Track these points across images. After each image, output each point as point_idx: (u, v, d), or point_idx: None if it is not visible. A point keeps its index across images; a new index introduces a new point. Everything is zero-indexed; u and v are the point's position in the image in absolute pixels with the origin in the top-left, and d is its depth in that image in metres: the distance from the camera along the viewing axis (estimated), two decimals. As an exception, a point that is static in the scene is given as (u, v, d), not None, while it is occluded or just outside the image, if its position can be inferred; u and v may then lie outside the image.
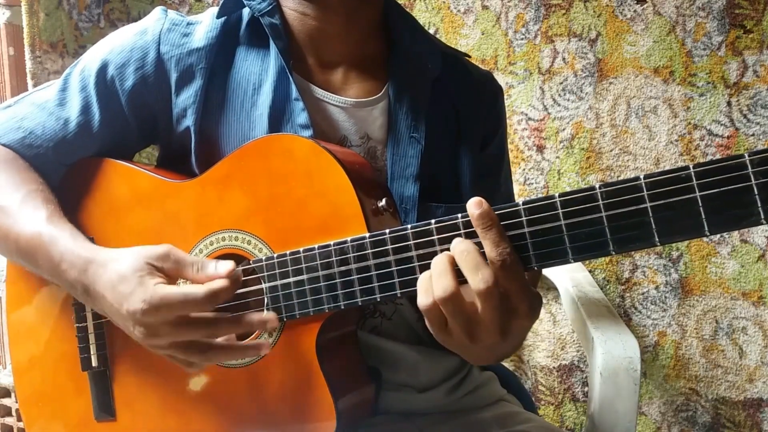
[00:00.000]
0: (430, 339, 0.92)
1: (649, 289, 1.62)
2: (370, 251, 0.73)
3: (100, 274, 0.76)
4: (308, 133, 0.85)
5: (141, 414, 0.87)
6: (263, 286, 0.79)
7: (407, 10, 1.08)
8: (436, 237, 0.69)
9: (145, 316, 0.72)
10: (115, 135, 0.92)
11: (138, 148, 0.98)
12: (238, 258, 0.81)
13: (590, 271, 1.60)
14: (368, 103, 0.90)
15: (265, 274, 0.79)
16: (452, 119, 0.95)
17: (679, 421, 1.63)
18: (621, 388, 1.12)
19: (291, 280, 0.77)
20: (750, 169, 0.58)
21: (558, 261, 0.65)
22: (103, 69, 0.90)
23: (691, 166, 0.60)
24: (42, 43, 1.63)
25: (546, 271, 1.51)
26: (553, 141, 1.63)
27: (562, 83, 1.62)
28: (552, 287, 1.54)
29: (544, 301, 1.61)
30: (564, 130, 1.63)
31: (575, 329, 1.56)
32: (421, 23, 1.00)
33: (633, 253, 1.61)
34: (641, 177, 0.61)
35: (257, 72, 0.89)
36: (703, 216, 0.59)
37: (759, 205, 0.58)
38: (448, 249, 0.67)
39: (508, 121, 1.07)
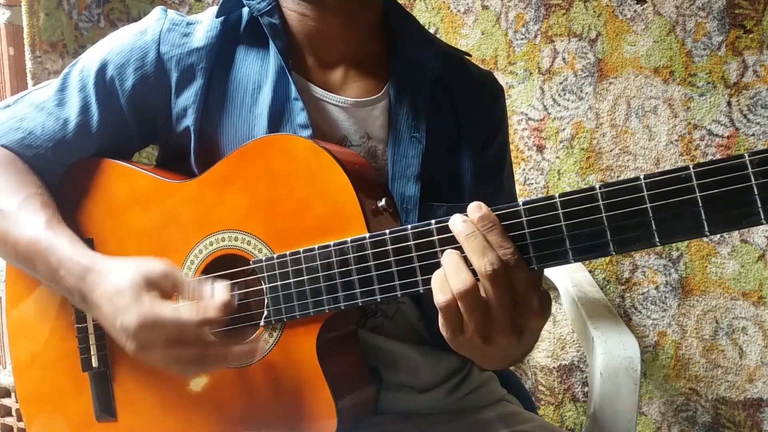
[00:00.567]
0: (431, 339, 0.93)
1: (649, 289, 1.62)
2: (370, 251, 0.73)
3: (98, 284, 0.76)
4: (307, 132, 0.85)
5: (142, 414, 0.87)
6: (263, 286, 0.79)
7: (407, 10, 1.08)
8: (436, 237, 0.69)
9: (138, 332, 0.72)
10: (114, 135, 0.92)
11: (137, 148, 0.98)
12: (237, 258, 0.81)
13: (590, 271, 1.60)
14: (368, 102, 0.90)
15: (266, 274, 0.79)
16: (453, 119, 0.95)
17: (679, 421, 1.63)
18: (621, 388, 1.12)
19: (291, 280, 0.77)
20: (750, 169, 0.58)
21: (558, 261, 0.65)
22: (102, 69, 0.90)
23: (691, 167, 0.60)
24: (42, 43, 1.63)
25: (546, 271, 1.50)
26: (553, 141, 1.63)
27: (562, 83, 1.62)
28: (552, 287, 1.54)
29: (544, 301, 1.60)
30: (564, 130, 1.63)
31: (575, 329, 1.56)
32: (421, 23, 1.00)
33: (633, 253, 1.61)
34: (641, 177, 0.61)
35: (257, 72, 0.89)
36: (703, 216, 0.59)
37: (759, 205, 0.58)
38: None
39: (508, 121, 1.06)
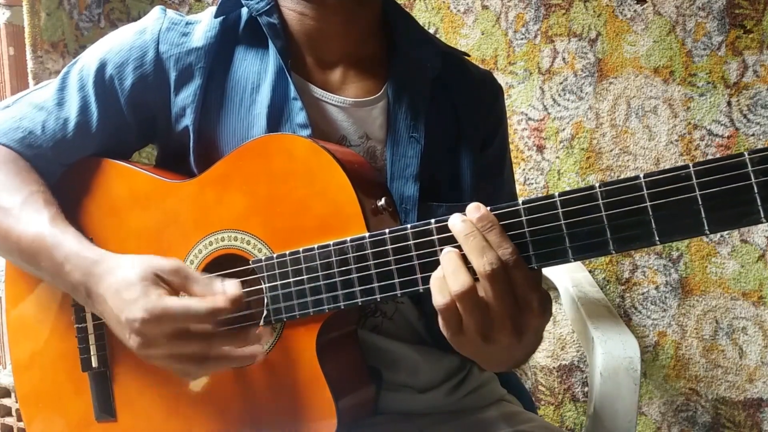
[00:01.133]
0: (431, 339, 0.93)
1: (649, 289, 1.62)
2: (369, 251, 0.73)
3: (105, 277, 0.76)
4: (307, 132, 0.85)
5: (142, 414, 0.87)
6: (263, 286, 0.79)
7: (407, 9, 1.08)
8: (435, 237, 0.69)
9: (143, 326, 0.72)
10: (113, 134, 0.92)
11: (137, 148, 0.98)
12: (237, 258, 0.81)
13: (590, 271, 1.60)
14: (367, 102, 0.90)
15: (265, 274, 0.79)
16: (452, 119, 0.95)
17: (679, 421, 1.62)
18: (621, 388, 1.12)
19: (291, 280, 0.77)
20: (750, 168, 0.58)
21: (558, 260, 0.65)
22: (101, 68, 0.90)
23: (690, 165, 0.60)
24: (43, 43, 1.63)
25: (546, 271, 1.51)
26: (553, 141, 1.63)
27: (562, 83, 1.62)
28: (552, 287, 1.54)
29: (544, 301, 1.60)
30: (564, 130, 1.63)
31: (575, 329, 1.56)
32: (420, 23, 1.00)
33: (633, 253, 1.61)
34: (641, 176, 0.61)
35: (256, 71, 0.89)
36: (703, 215, 0.59)
37: (759, 203, 0.58)
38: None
39: (508, 121, 1.06)
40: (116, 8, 1.76)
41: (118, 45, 0.90)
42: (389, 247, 0.72)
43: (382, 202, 0.78)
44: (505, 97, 1.06)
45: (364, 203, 0.76)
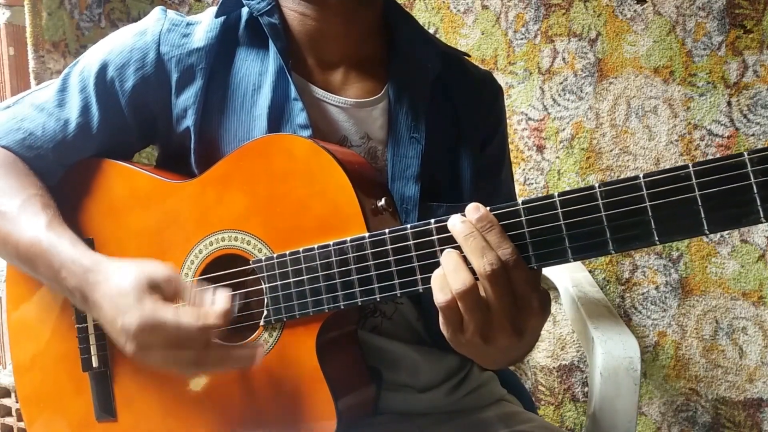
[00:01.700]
0: (431, 339, 0.93)
1: (649, 289, 1.62)
2: (369, 251, 0.73)
3: (100, 284, 0.77)
4: (307, 132, 0.85)
5: (142, 414, 0.87)
6: (263, 286, 0.79)
7: (407, 10, 1.08)
8: (435, 237, 0.69)
9: (139, 334, 0.72)
10: (114, 136, 0.92)
11: (138, 149, 0.98)
12: (237, 258, 0.81)
13: (590, 271, 1.60)
14: (368, 103, 0.90)
15: (265, 274, 0.79)
16: (452, 119, 0.95)
17: (679, 421, 1.63)
18: (621, 388, 1.12)
19: (291, 280, 0.77)
20: (749, 168, 0.58)
21: (558, 260, 0.65)
22: (102, 70, 0.90)
23: (690, 165, 0.60)
24: (45, 43, 1.63)
25: (546, 271, 1.51)
26: (553, 141, 1.63)
27: (562, 83, 1.62)
28: (552, 287, 1.54)
29: (545, 301, 1.60)
30: (564, 130, 1.63)
31: (575, 329, 1.56)
32: (420, 23, 1.00)
33: (633, 253, 1.61)
34: (641, 176, 0.61)
35: (257, 72, 0.89)
36: (703, 215, 0.59)
37: (758, 203, 0.58)
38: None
39: (508, 121, 1.06)
40: (116, 8, 1.76)
41: (119, 46, 0.90)
42: (389, 247, 0.72)
43: (382, 202, 0.78)
44: (505, 97, 1.06)
45: (364, 203, 0.76)
